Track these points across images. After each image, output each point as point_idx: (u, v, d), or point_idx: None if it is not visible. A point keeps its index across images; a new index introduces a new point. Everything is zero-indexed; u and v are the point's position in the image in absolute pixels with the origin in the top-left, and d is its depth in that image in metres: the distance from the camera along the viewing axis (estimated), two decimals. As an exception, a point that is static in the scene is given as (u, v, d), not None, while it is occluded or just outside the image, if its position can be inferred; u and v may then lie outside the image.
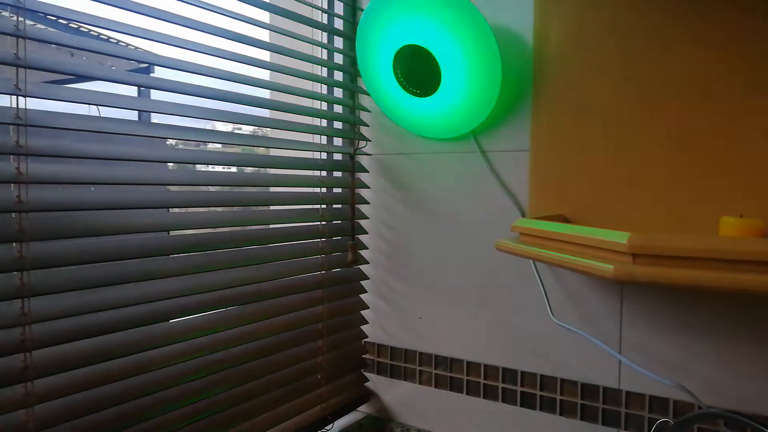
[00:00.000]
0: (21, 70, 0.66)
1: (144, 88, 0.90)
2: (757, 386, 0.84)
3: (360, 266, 1.23)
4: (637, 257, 0.57)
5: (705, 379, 0.88)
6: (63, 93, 0.72)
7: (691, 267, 0.55)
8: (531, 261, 1.02)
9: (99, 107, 0.83)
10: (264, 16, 1.27)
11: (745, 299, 0.84)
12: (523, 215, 1.03)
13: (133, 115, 0.91)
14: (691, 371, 0.89)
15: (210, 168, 0.97)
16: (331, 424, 1.13)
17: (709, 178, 0.79)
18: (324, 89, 1.21)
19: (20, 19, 0.66)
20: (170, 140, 0.90)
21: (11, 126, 0.66)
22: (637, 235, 0.57)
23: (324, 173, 1.16)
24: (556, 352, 1.01)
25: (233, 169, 1.11)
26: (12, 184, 0.67)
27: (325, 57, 1.22)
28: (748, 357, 0.85)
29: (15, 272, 0.67)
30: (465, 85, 0.99)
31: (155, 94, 0.86)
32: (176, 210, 0.93)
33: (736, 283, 0.53)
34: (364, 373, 1.25)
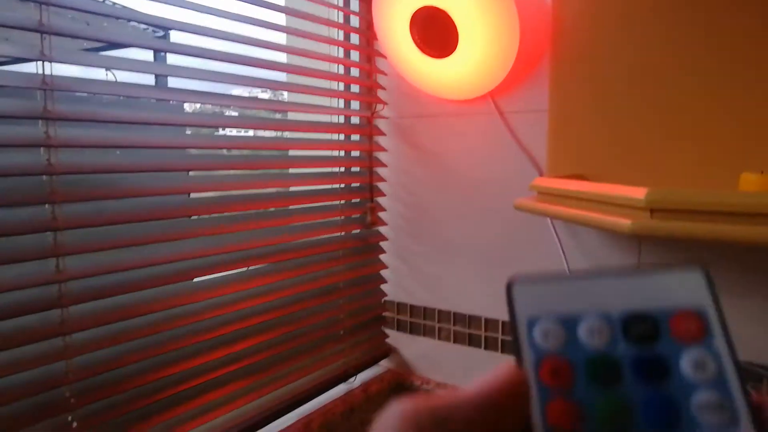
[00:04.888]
0: (46, 37, 0.68)
1: (163, 52, 0.91)
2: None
3: (378, 228, 1.25)
4: (654, 212, 0.58)
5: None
6: (86, 59, 0.73)
7: (709, 221, 0.55)
8: (548, 220, 1.02)
9: (114, 72, 0.84)
10: (279, -22, 1.26)
11: (762, 256, 0.85)
12: (541, 176, 1.03)
13: (150, 80, 0.93)
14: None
15: (229, 132, 0.99)
16: (354, 377, 1.17)
17: (730, 135, 0.79)
18: (341, 52, 1.21)
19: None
20: (190, 105, 0.92)
21: (38, 91, 0.68)
22: (655, 190, 0.58)
23: (342, 137, 1.17)
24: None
25: (251, 133, 1.12)
26: (42, 148, 0.69)
27: (341, 20, 1.21)
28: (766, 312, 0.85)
29: (49, 232, 0.69)
30: (482, 46, 0.99)
31: (173, 59, 0.87)
32: (196, 173, 0.95)
33: (754, 236, 0.53)
34: (385, 330, 1.28)
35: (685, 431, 0.17)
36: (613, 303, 0.19)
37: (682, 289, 0.19)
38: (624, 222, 0.59)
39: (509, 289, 0.20)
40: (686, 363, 0.18)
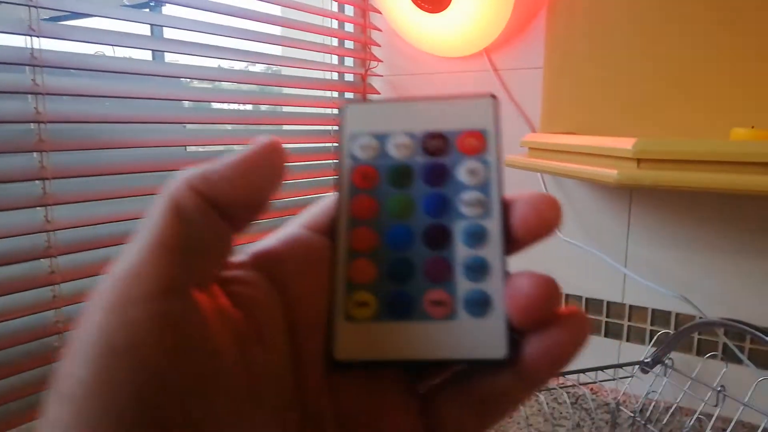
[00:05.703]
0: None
1: (157, 2, 0.89)
2: (760, 299, 0.86)
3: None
4: (641, 162, 0.58)
5: (708, 293, 0.90)
6: (74, 5, 0.72)
7: (694, 170, 0.55)
8: (540, 177, 1.02)
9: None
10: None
11: (750, 216, 0.85)
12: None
13: (145, 29, 0.91)
14: (695, 286, 0.90)
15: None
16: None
17: (723, 92, 0.78)
18: (335, 6, 1.19)
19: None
20: (184, 57, 0.91)
21: (25, 37, 0.67)
22: (643, 140, 0.58)
23: (335, 94, 1.16)
24: (562, 268, 1.03)
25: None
26: (29, 96, 0.68)
27: (335, -27, 1.19)
28: (754, 271, 0.86)
29: (37, 182, 0.69)
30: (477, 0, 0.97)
31: (168, 11, 0.86)
32: (191, 126, 0.94)
33: (738, 185, 0.53)
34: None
35: (452, 219, 0.23)
36: (418, 124, 0.24)
37: (473, 114, 0.24)
38: (611, 172, 0.59)
39: (340, 110, 0.25)
40: (462, 170, 0.23)
